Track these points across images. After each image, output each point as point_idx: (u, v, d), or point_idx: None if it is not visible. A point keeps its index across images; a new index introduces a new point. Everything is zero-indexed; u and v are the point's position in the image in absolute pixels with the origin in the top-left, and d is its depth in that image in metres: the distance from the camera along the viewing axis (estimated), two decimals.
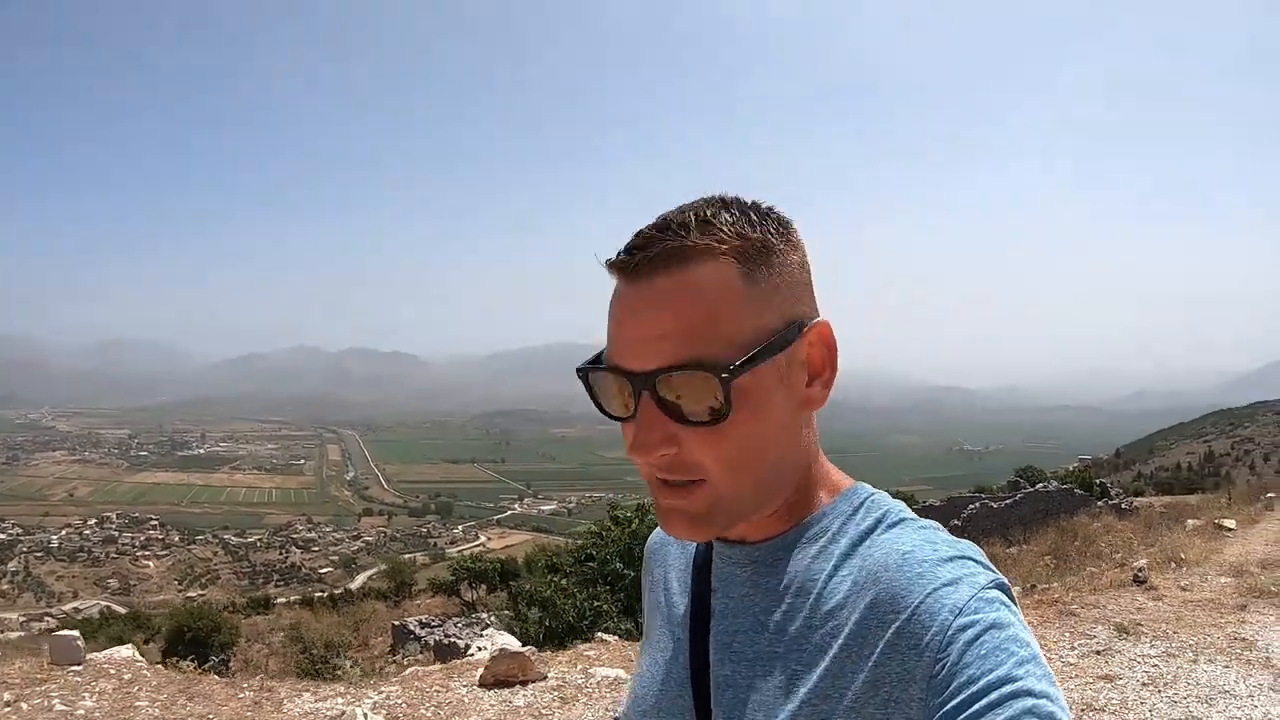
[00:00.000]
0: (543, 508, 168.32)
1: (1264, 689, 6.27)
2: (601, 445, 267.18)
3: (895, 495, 1.16)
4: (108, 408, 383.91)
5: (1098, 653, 7.23)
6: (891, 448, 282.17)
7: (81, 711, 6.89)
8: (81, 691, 7.34)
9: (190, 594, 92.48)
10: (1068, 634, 7.81)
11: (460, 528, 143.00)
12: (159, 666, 8.75)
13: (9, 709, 6.68)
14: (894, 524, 1.08)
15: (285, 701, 7.51)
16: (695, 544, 1.23)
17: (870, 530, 1.08)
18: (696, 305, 0.98)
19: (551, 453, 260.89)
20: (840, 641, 1.00)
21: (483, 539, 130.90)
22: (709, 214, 1.02)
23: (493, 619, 13.76)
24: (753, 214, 1.04)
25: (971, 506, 26.11)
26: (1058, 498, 25.35)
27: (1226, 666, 6.77)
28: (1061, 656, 7.16)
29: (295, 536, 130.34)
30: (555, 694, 7.39)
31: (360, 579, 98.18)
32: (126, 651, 8.78)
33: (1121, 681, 6.54)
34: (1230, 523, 13.08)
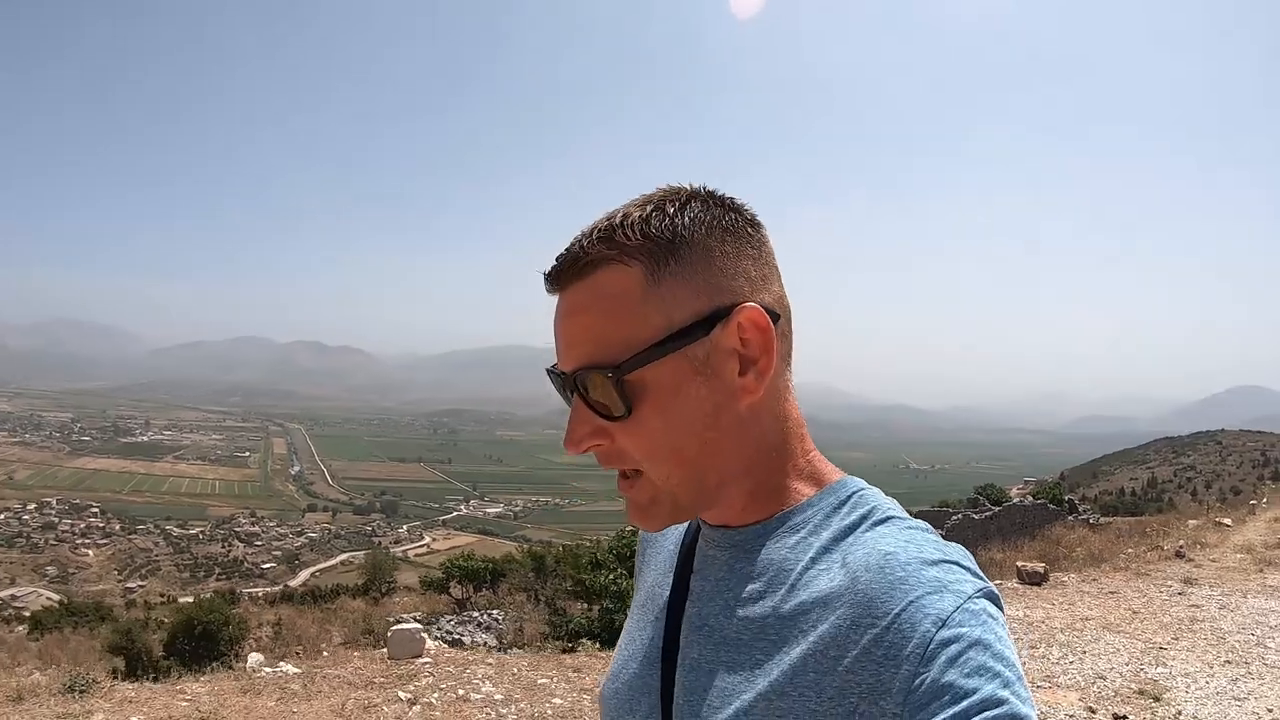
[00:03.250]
0: (489, 510, 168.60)
1: None
2: (548, 449, 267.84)
3: None
4: (50, 389, 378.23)
5: (1179, 594, 10.25)
6: (836, 461, 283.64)
7: (499, 695, 7.27)
8: (465, 680, 7.67)
9: (130, 585, 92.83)
10: (1152, 585, 10.79)
11: (405, 527, 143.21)
12: (466, 652, 9.28)
13: (418, 707, 6.85)
14: (880, 521, 1.05)
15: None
16: (685, 525, 1.25)
17: (854, 526, 1.05)
18: (596, 311, 1.03)
19: (498, 454, 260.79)
20: (810, 640, 0.97)
21: (428, 539, 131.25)
22: (620, 218, 1.04)
23: (499, 615, 13.99)
24: (668, 209, 1.05)
25: (955, 517, 27.52)
26: (1033, 511, 26.59)
27: (1267, 599, 9.96)
28: (1157, 596, 10.16)
29: (238, 530, 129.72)
30: None
31: (303, 575, 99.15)
32: (431, 643, 8.93)
33: (1204, 609, 9.54)
34: (1228, 520, 16.05)
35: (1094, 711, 6.24)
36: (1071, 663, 7.46)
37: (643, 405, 1.02)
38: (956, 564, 0.97)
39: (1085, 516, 27.74)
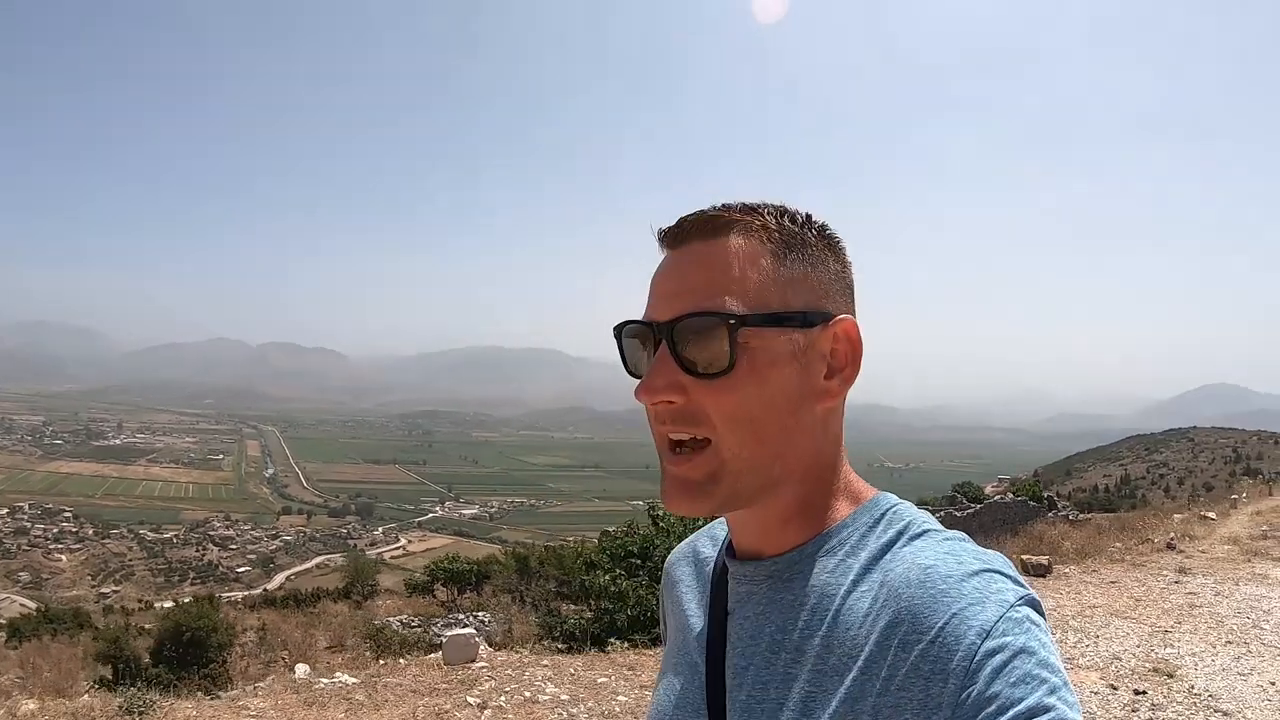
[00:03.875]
0: (464, 511, 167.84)
1: None
2: (524, 450, 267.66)
3: None
4: (21, 391, 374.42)
5: (1175, 583, 10.68)
6: None
7: (565, 696, 7.35)
8: (527, 682, 7.74)
9: (104, 590, 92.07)
10: (1149, 575, 11.24)
11: (380, 529, 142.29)
12: (518, 655, 9.19)
13: (489, 711, 6.92)
14: (916, 535, 1.06)
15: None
16: (712, 564, 1.25)
17: (892, 543, 1.06)
18: (723, 265, 1.06)
19: (474, 456, 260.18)
20: (860, 664, 0.98)
21: (403, 542, 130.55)
22: (754, 203, 1.10)
23: (486, 617, 13.95)
24: (798, 215, 1.11)
25: (938, 515, 28.01)
26: (1015, 508, 26.91)
27: (1257, 586, 10.45)
28: (1155, 585, 10.59)
29: (213, 534, 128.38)
30: None
31: (278, 579, 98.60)
32: (485, 648, 8.92)
33: (1200, 596, 9.94)
34: (1212, 514, 16.84)
35: (1116, 688, 6.60)
36: (1088, 646, 7.80)
37: (743, 365, 1.03)
38: (998, 573, 0.98)
39: (1065, 513, 28.18)
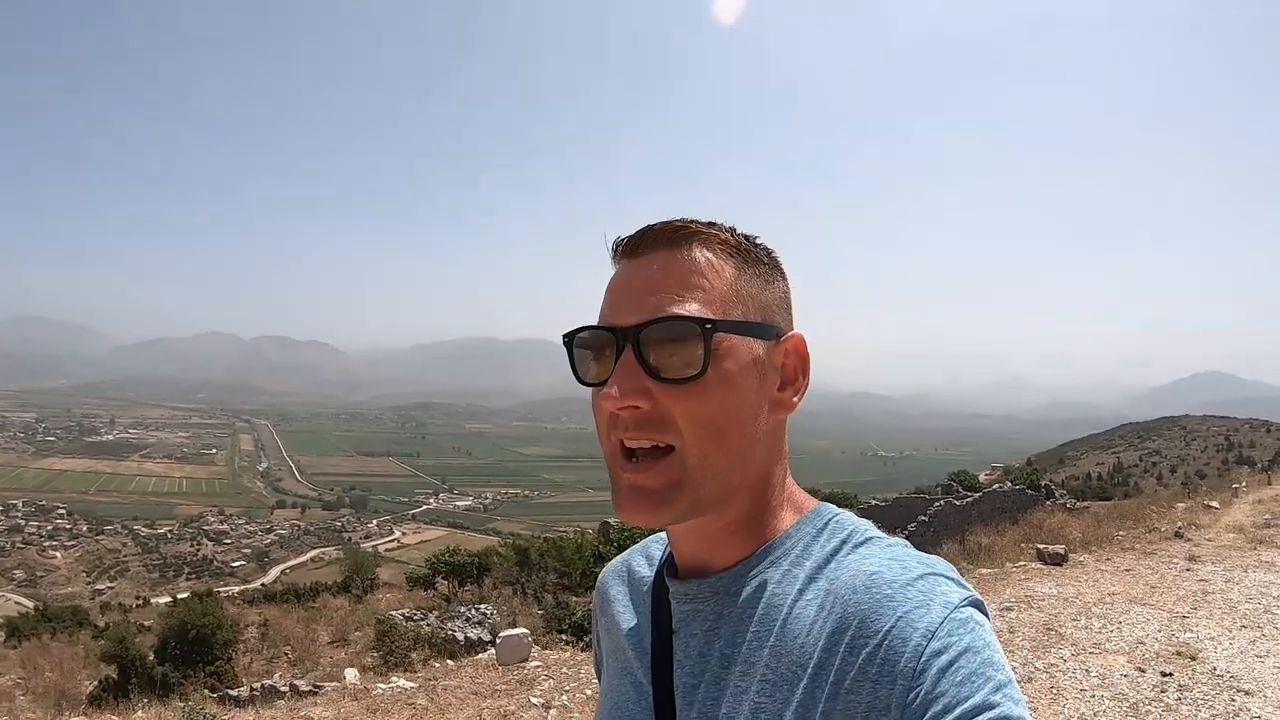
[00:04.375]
0: (458, 503, 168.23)
1: None
2: (517, 441, 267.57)
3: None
4: (12, 388, 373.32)
5: (1187, 570, 10.81)
6: (803, 451, 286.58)
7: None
8: (585, 680, 7.72)
9: (99, 587, 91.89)
10: (1160, 563, 11.34)
11: (375, 522, 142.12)
12: (568, 653, 9.23)
13: (554, 710, 6.91)
14: (860, 543, 1.07)
15: None
16: (650, 582, 1.24)
17: (835, 551, 1.07)
18: (691, 272, 1.06)
19: (467, 447, 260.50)
20: (809, 671, 0.98)
21: (398, 534, 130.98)
22: (710, 220, 1.11)
23: (489, 609, 13.80)
24: (751, 235, 1.13)
25: (938, 503, 27.97)
26: (1013, 497, 26.94)
27: (1266, 573, 10.52)
28: (1168, 573, 10.70)
29: (207, 528, 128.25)
30: None
31: (273, 572, 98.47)
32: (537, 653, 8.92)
33: (1211, 583, 10.04)
34: (1215, 503, 16.92)
35: (1143, 671, 6.77)
36: (1112, 631, 7.93)
37: (714, 371, 1.03)
38: (942, 576, 0.99)
39: (1063, 501, 28.23)
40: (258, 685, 9.46)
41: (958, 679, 0.89)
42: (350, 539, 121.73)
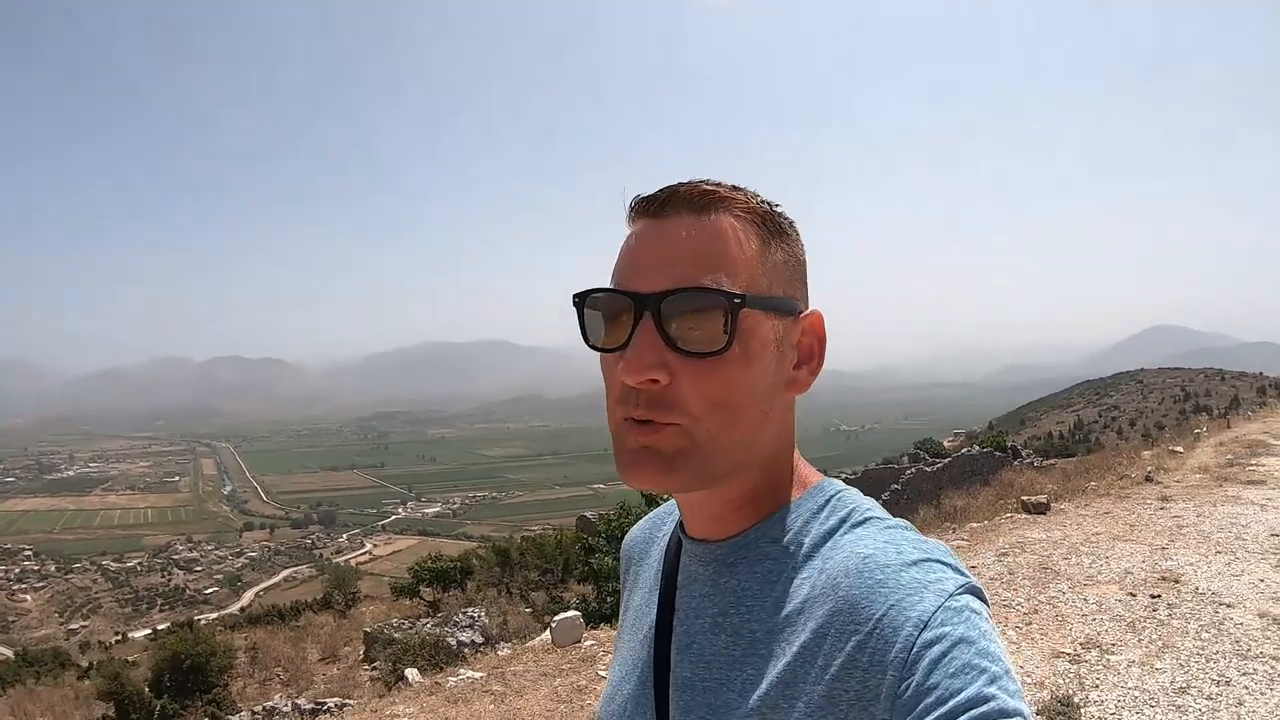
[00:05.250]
0: (427, 510, 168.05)
1: (1261, 511, 10.85)
2: (481, 444, 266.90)
3: None
4: None
5: (1160, 509, 11.39)
6: None
7: None
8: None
9: (73, 626, 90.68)
10: (1135, 505, 11.83)
11: (345, 536, 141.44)
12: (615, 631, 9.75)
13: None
14: (859, 523, 1.04)
15: None
16: (668, 542, 1.23)
17: (834, 530, 1.04)
18: (718, 241, 1.00)
19: (431, 454, 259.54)
20: (795, 649, 0.96)
21: (369, 546, 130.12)
22: (736, 185, 1.06)
23: (476, 612, 13.81)
24: (774, 202, 1.07)
25: (909, 471, 28.71)
26: (981, 459, 27.67)
27: (1233, 506, 11.24)
28: (1144, 513, 11.25)
29: (176, 557, 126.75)
30: None
31: (247, 596, 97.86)
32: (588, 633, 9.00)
33: (1185, 518, 10.68)
34: (1179, 448, 17.56)
35: (1134, 596, 7.46)
36: (1102, 565, 8.59)
37: (736, 347, 0.99)
38: (938, 561, 0.96)
39: (1030, 460, 29.16)
40: (259, 708, 9.56)
41: (951, 670, 0.85)
42: (322, 555, 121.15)
